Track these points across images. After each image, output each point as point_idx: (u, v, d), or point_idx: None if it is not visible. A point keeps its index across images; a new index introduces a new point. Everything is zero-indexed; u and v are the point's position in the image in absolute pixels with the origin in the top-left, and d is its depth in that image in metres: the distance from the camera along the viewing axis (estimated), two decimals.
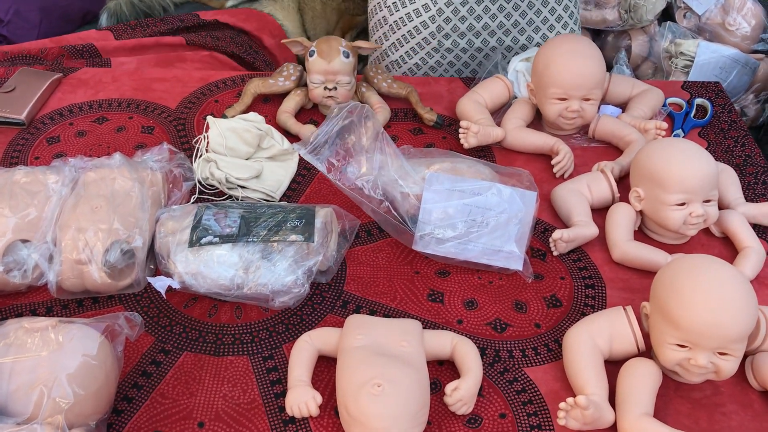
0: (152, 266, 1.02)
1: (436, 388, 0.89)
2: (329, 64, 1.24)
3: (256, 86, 1.32)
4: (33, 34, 2.08)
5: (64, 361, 0.77)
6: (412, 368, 0.84)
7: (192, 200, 1.12)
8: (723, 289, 0.82)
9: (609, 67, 1.86)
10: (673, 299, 0.84)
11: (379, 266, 1.05)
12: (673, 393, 0.90)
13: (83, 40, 1.64)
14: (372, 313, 0.99)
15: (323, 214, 1.01)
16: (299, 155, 1.18)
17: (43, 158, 1.22)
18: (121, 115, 1.31)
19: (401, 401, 0.80)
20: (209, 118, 1.18)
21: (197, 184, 1.14)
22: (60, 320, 0.81)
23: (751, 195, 1.18)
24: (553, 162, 1.20)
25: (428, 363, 0.89)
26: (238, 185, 1.13)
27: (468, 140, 1.21)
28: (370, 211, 1.04)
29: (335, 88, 1.25)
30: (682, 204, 1.02)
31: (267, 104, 1.34)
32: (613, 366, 0.89)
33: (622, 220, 1.07)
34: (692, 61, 1.80)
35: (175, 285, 0.95)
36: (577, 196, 1.11)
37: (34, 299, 0.99)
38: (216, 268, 0.94)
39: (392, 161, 1.03)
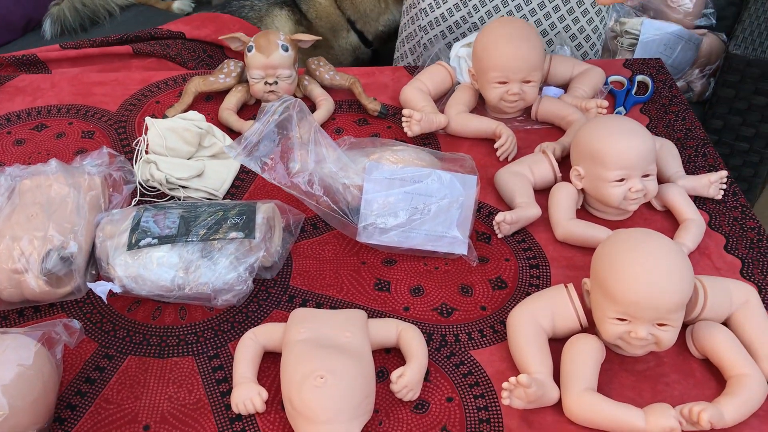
0: (94, 272, 1.00)
1: (384, 377, 0.89)
2: (268, 59, 1.23)
3: (197, 84, 1.30)
4: None
5: None
6: (356, 359, 0.84)
7: (133, 203, 1.11)
8: (657, 260, 0.83)
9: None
10: (609, 273, 0.85)
11: (326, 259, 1.05)
12: (617, 367, 0.91)
13: (27, 51, 1.60)
14: (319, 305, 0.98)
15: (264, 210, 1.01)
16: None
17: None
18: (61, 121, 1.29)
19: (344, 392, 0.79)
20: (147, 119, 1.16)
21: (138, 187, 1.12)
22: None
23: (692, 168, 1.19)
24: (495, 146, 1.20)
25: (375, 351, 0.89)
26: (180, 185, 1.12)
27: (411, 128, 1.21)
28: (313, 206, 1.04)
29: (276, 83, 1.25)
30: (621, 180, 1.04)
31: (209, 102, 1.33)
32: (558, 344, 0.90)
33: (564, 200, 1.08)
34: (637, 39, 1.81)
35: (116, 289, 0.94)
36: (520, 178, 1.12)
37: None
38: (155, 270, 0.93)
39: (329, 154, 1.02)
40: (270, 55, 1.23)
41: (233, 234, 0.96)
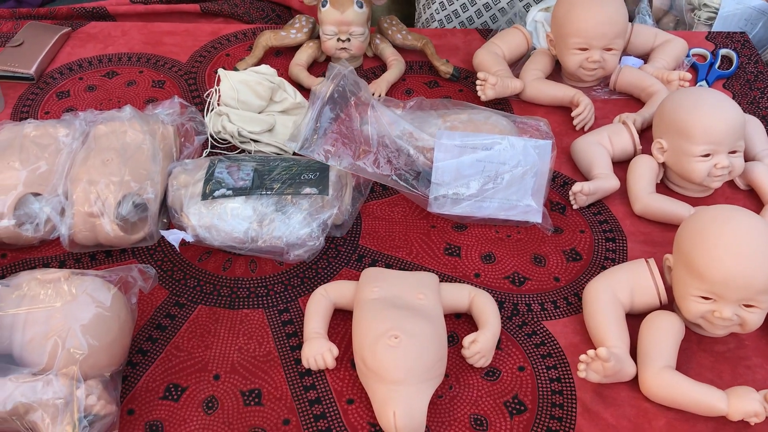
0: (165, 220, 1.00)
1: (454, 341, 0.88)
2: (342, 15, 1.20)
3: (268, 39, 1.29)
4: None
5: (78, 312, 0.76)
6: (429, 320, 0.82)
7: (204, 154, 1.10)
8: (749, 238, 0.79)
9: (631, 19, 1.81)
10: (697, 249, 0.81)
11: (395, 220, 1.03)
12: (695, 346, 0.88)
13: (96, 4, 1.60)
14: (388, 266, 0.97)
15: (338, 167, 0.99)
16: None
17: (53, 113, 1.20)
18: (132, 69, 1.29)
19: (418, 352, 0.78)
20: (220, 71, 1.15)
21: (209, 138, 1.12)
22: (72, 272, 0.80)
23: None
24: (573, 114, 1.17)
25: (445, 316, 0.87)
26: (251, 139, 1.11)
27: (485, 92, 1.18)
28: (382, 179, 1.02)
29: (348, 40, 1.22)
30: (707, 155, 0.99)
31: (279, 57, 1.32)
32: (634, 320, 0.88)
33: (644, 173, 1.04)
34: (716, 13, 1.74)
35: (189, 238, 0.94)
36: (598, 148, 1.08)
37: (46, 253, 0.98)
38: (230, 221, 0.93)
39: (396, 125, 1.00)
40: (344, 11, 1.20)
41: (307, 189, 0.95)
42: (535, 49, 1.29)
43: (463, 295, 0.89)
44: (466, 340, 0.84)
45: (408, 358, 0.78)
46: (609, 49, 1.17)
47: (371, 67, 1.30)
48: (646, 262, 0.90)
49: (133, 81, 1.26)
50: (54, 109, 1.21)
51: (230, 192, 0.94)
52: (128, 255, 0.98)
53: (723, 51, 1.32)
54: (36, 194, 0.96)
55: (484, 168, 1.00)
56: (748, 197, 1.06)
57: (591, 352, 0.80)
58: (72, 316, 0.76)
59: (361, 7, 1.22)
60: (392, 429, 0.76)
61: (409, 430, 0.76)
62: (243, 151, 1.11)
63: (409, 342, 0.78)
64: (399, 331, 0.79)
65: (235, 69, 1.24)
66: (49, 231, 0.96)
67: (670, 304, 0.89)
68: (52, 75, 1.27)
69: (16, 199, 0.94)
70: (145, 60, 1.31)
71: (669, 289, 0.88)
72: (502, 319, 0.90)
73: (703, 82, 1.27)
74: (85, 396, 0.73)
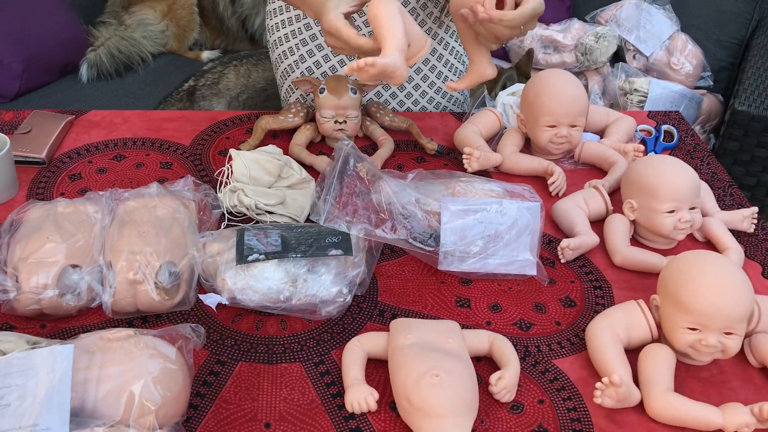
0: (197, 287, 1.07)
1: (479, 382, 0.97)
2: (339, 100, 1.34)
3: (267, 122, 1.40)
4: (15, 85, 2.11)
5: (148, 366, 0.82)
6: (461, 361, 0.92)
7: (222, 227, 1.18)
8: (726, 275, 0.94)
9: None
10: (683, 287, 0.95)
11: (407, 278, 1.14)
12: (685, 374, 1.01)
13: None
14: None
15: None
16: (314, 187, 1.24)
17: (68, 194, 1.26)
18: (138, 152, 1.37)
19: (458, 389, 0.88)
20: (232, 151, 1.25)
21: (225, 213, 1.20)
22: (136, 331, 0.86)
23: (722, 206, 1.32)
24: (549, 182, 1.32)
25: None
26: (266, 211, 1.20)
27: (471, 165, 1.32)
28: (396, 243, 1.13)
29: (345, 122, 1.35)
30: (672, 211, 1.16)
31: (276, 139, 1.43)
32: (630, 354, 1.00)
33: (619, 229, 1.19)
34: (646, 97, 1.99)
35: (224, 301, 1.01)
36: (576, 209, 1.23)
37: (85, 321, 1.02)
38: (264, 282, 1.01)
39: (403, 193, 1.12)
40: (341, 96, 1.34)
41: (333, 251, 1.05)
42: (506, 127, 1.45)
43: (483, 339, 1.00)
44: (493, 378, 0.94)
45: (449, 393, 0.87)
46: (574, 126, 1.34)
47: (363, 145, 1.43)
48: (637, 303, 1.03)
49: (141, 163, 1.34)
50: (68, 190, 1.27)
51: (263, 256, 1.03)
52: (164, 320, 1.04)
53: (665, 126, 1.53)
54: (74, 266, 1.01)
55: (485, 228, 1.12)
56: (707, 248, 1.23)
57: (605, 379, 0.91)
58: (143, 370, 0.81)
59: (355, 93, 1.35)
60: None
61: None
62: (258, 222, 1.20)
63: (449, 379, 0.88)
64: (439, 370, 0.88)
65: (239, 149, 1.34)
66: (90, 300, 1.01)
67: (659, 339, 1.02)
68: (61, 159, 1.33)
69: (59, 271, 0.99)
70: (150, 143, 1.39)
71: (657, 326, 1.02)
72: None
73: (652, 153, 1.46)
74: None
